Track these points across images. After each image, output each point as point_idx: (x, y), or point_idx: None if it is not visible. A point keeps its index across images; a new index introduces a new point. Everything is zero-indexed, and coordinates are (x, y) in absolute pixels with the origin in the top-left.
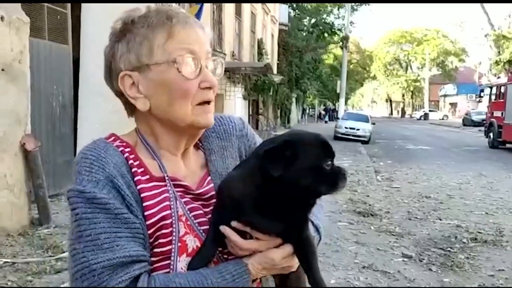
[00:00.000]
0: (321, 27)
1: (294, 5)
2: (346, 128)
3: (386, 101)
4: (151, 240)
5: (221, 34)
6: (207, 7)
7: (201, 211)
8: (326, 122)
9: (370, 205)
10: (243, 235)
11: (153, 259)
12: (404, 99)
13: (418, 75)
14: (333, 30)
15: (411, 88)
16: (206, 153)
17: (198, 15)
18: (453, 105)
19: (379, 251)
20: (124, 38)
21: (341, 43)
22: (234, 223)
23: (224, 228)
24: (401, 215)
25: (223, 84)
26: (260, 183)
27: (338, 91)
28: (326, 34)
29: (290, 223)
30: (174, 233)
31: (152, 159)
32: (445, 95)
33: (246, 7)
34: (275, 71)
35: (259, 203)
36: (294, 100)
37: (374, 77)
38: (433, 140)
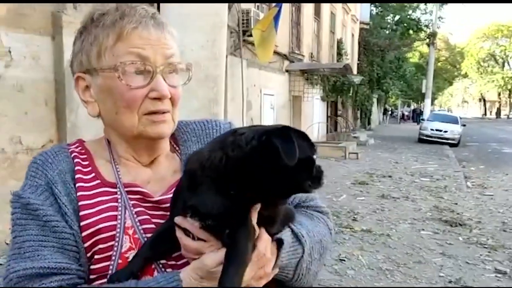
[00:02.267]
0: (405, 24)
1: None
2: (432, 130)
3: (480, 100)
4: (88, 255)
5: (300, 35)
6: (285, 9)
7: (152, 225)
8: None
9: (458, 213)
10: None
11: (91, 276)
12: (500, 98)
13: None
14: (419, 26)
15: (509, 86)
16: (182, 158)
17: (277, 17)
18: None
19: (468, 264)
20: (80, 37)
21: (428, 40)
22: (176, 219)
23: (176, 219)
24: (495, 225)
25: (301, 85)
26: (231, 162)
27: (423, 90)
28: (411, 31)
29: (230, 209)
30: (115, 248)
31: (110, 164)
32: None
33: (325, 7)
34: (355, 72)
35: (218, 182)
36: (375, 101)
37: (465, 75)
38: None
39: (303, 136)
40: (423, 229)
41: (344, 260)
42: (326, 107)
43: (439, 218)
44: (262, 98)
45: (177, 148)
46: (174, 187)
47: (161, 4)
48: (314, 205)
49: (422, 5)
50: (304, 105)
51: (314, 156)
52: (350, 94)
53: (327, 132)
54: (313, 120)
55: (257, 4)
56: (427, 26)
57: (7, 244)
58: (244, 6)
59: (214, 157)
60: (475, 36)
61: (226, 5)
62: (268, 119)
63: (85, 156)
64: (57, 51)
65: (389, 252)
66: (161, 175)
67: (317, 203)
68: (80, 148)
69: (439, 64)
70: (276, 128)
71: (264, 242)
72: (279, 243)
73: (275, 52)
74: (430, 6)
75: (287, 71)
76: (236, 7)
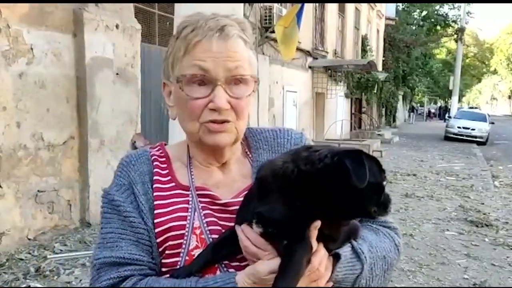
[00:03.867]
0: (433, 20)
1: None
2: (459, 127)
3: (509, 97)
4: (160, 249)
5: (323, 32)
6: (309, 5)
7: (219, 227)
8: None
9: (485, 214)
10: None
11: (163, 269)
12: None
13: None
14: (447, 22)
15: None
16: (253, 165)
17: (299, 13)
18: None
19: (494, 266)
20: (169, 48)
21: (455, 35)
22: (238, 228)
23: (238, 226)
24: None
25: (324, 82)
26: (302, 175)
27: (450, 87)
28: (438, 27)
29: (294, 221)
30: (184, 245)
31: (186, 167)
32: None
33: (350, 3)
34: (380, 68)
35: (286, 192)
36: (400, 98)
37: (494, 72)
38: None
39: (376, 162)
40: (447, 230)
41: None
42: (350, 104)
43: (464, 218)
44: (285, 95)
45: (249, 154)
46: (244, 192)
47: (175, 4)
48: (382, 219)
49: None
50: (328, 102)
51: (384, 183)
52: (375, 91)
53: (350, 129)
54: (337, 117)
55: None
56: (455, 21)
57: (29, 239)
58: (267, 2)
59: (286, 168)
60: (505, 31)
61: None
62: (291, 116)
63: (163, 159)
64: (78, 48)
65: (411, 253)
66: (231, 179)
67: (386, 218)
68: (160, 151)
69: (467, 60)
70: (350, 150)
71: (320, 257)
72: (336, 258)
73: (298, 49)
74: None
75: (310, 67)
76: (258, 4)
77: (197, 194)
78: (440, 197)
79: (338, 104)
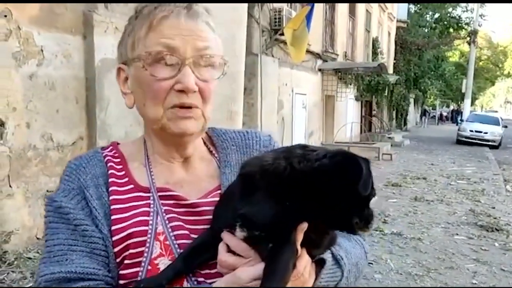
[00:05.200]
0: (445, 22)
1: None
2: (471, 131)
3: None
4: (118, 260)
5: (334, 34)
6: (318, 7)
7: (185, 231)
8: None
9: (495, 218)
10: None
11: (121, 281)
12: None
13: None
14: (459, 24)
15: None
16: (221, 165)
17: (309, 16)
18: None
19: (504, 272)
20: (125, 31)
21: (468, 38)
22: (222, 234)
23: (224, 233)
24: None
25: (334, 85)
26: (295, 174)
27: (463, 90)
28: (451, 29)
29: (281, 223)
30: (146, 254)
31: (144, 167)
32: None
33: (360, 5)
34: (391, 71)
35: (275, 190)
36: (412, 101)
37: (508, 75)
38: None
39: (371, 173)
40: (457, 234)
41: (372, 264)
42: (360, 107)
43: (474, 222)
44: (294, 97)
45: (215, 154)
46: (212, 193)
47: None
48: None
49: (462, 3)
50: (337, 104)
51: (373, 198)
52: (385, 94)
53: (360, 132)
54: (347, 120)
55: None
56: (468, 24)
57: (38, 238)
58: (276, 4)
59: (278, 164)
60: None
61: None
62: (300, 119)
63: (118, 160)
64: (88, 50)
65: (419, 257)
66: (197, 178)
67: None
68: (114, 151)
69: (480, 63)
70: (349, 153)
71: (304, 262)
72: (320, 264)
73: (308, 51)
74: (471, 3)
75: (320, 70)
76: (268, 6)
77: (159, 196)
78: (450, 201)
79: (348, 106)
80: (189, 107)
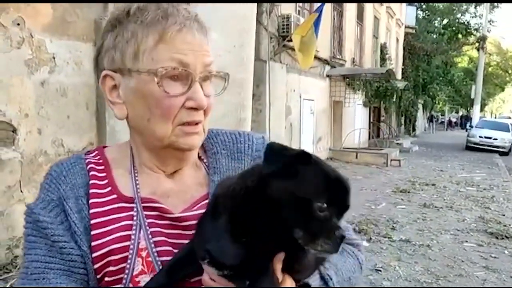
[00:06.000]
0: (454, 28)
1: (423, 6)
2: (480, 137)
3: None
4: (98, 276)
5: (341, 40)
6: (326, 13)
7: (168, 247)
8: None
9: (505, 225)
10: None
11: None
12: None
13: None
14: (468, 30)
15: None
16: (210, 172)
17: (317, 22)
18: None
19: None
20: (114, 30)
21: (477, 44)
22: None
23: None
24: None
25: (342, 91)
26: (246, 195)
27: (472, 96)
28: (460, 35)
29: (249, 259)
30: (127, 270)
31: (129, 174)
32: None
33: (368, 11)
34: (399, 77)
35: (234, 219)
36: (420, 106)
37: None
38: None
39: (325, 176)
40: (466, 241)
41: (380, 271)
42: (368, 113)
43: (484, 229)
44: (302, 103)
45: (204, 159)
46: (199, 202)
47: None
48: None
49: (471, 8)
50: (345, 110)
51: (323, 204)
52: (394, 100)
53: (369, 138)
54: (355, 126)
55: (297, 9)
56: (476, 29)
57: None
58: (284, 11)
59: (236, 185)
60: None
61: (254, 8)
62: (308, 125)
63: (102, 167)
64: None
65: (428, 264)
66: (184, 187)
67: (349, 235)
68: (98, 157)
69: (489, 69)
70: (306, 153)
71: None
72: None
73: (316, 57)
74: (480, 9)
75: (328, 76)
76: (276, 12)
77: (143, 207)
78: (459, 208)
79: (356, 112)
80: (196, 123)
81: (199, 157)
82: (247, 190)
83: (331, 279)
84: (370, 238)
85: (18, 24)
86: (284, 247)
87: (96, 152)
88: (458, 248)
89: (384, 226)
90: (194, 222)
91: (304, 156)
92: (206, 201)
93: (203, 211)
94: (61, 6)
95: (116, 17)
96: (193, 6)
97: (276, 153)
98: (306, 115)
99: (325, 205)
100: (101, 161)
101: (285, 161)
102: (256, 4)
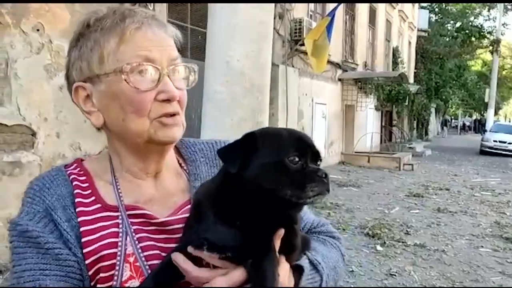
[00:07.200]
0: (467, 31)
1: (436, 10)
2: (495, 141)
3: None
4: (92, 283)
5: (354, 44)
6: (339, 17)
7: (156, 251)
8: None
9: None
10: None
11: None
12: None
13: None
14: (481, 33)
15: None
16: (191, 178)
17: (329, 26)
18: None
19: None
20: (78, 44)
21: (491, 47)
22: (190, 248)
23: (175, 255)
24: None
25: (354, 95)
26: (224, 186)
27: (486, 100)
28: (473, 38)
29: (248, 239)
30: (116, 277)
31: (110, 185)
32: None
33: (380, 15)
34: (411, 80)
35: (221, 210)
36: (433, 110)
37: None
38: None
39: (283, 137)
40: (482, 246)
41: (395, 275)
42: (380, 116)
43: (500, 234)
44: (314, 107)
45: (184, 167)
46: (182, 208)
47: (208, 15)
48: (326, 230)
49: (485, 12)
50: (357, 114)
51: (295, 157)
52: (406, 104)
53: (381, 142)
54: (367, 130)
55: (309, 13)
56: (490, 33)
57: None
58: (297, 15)
59: (212, 184)
60: None
61: (272, 13)
62: (320, 129)
63: (84, 178)
64: None
65: (443, 269)
66: (166, 193)
67: (329, 228)
68: (78, 169)
69: (504, 72)
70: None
71: (284, 271)
72: (297, 271)
73: (328, 61)
74: (493, 12)
75: (340, 80)
76: (288, 16)
77: (128, 215)
78: (474, 213)
79: (368, 116)
80: (174, 115)
81: (180, 165)
82: (225, 181)
83: (319, 263)
84: (384, 242)
85: (38, 30)
86: (277, 221)
87: (76, 164)
88: (474, 253)
89: (398, 230)
90: (180, 225)
91: (249, 136)
92: (189, 206)
93: (187, 215)
94: (79, 11)
95: (78, 32)
96: (212, 15)
97: (229, 151)
98: (318, 119)
99: (296, 158)
100: (82, 172)
101: (239, 150)
102: (273, 9)
